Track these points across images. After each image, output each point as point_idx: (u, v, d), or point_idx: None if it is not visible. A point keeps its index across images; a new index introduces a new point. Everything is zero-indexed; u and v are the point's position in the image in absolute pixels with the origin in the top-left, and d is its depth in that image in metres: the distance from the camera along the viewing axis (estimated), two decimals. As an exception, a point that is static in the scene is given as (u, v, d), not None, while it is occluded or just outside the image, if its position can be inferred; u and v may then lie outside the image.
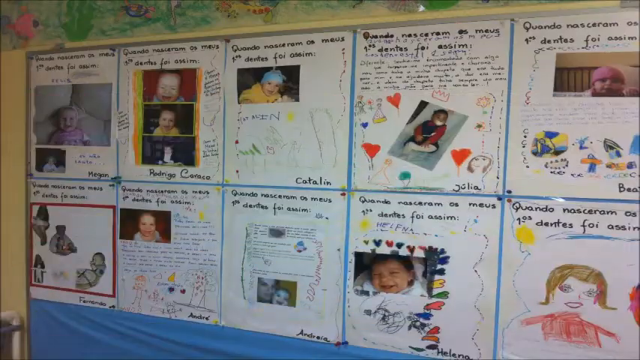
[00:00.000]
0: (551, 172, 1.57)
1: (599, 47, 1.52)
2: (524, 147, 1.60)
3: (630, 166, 1.49)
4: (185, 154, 2.05)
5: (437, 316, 1.71)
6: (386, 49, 1.75)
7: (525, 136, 1.59)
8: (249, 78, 1.94)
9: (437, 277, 1.70)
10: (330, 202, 1.83)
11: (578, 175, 1.54)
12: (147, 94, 2.11)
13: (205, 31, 2.02)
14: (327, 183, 1.84)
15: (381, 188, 1.76)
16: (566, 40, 1.55)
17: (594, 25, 1.52)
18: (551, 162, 1.57)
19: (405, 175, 1.73)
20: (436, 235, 1.70)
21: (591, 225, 1.53)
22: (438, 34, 1.68)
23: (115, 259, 2.20)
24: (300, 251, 1.88)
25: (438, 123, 1.69)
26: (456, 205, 1.68)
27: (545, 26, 1.56)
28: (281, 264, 1.92)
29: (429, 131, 1.70)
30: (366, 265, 1.80)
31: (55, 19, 2.29)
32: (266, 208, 1.93)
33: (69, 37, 2.27)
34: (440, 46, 1.68)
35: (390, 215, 1.76)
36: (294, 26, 1.88)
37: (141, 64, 2.11)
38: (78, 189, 2.24)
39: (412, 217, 1.73)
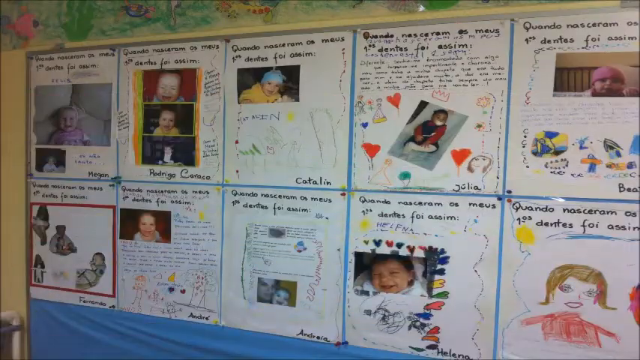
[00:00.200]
0: (551, 172, 1.57)
1: (599, 47, 1.52)
2: (524, 147, 1.59)
3: (630, 166, 1.49)
4: (185, 154, 2.05)
5: (437, 316, 1.71)
6: (386, 49, 1.75)
7: (525, 136, 1.59)
8: (249, 78, 1.94)
9: (437, 277, 1.70)
10: (330, 202, 1.83)
11: (578, 175, 1.54)
12: (147, 94, 2.11)
13: (205, 31, 2.02)
14: (327, 183, 1.84)
15: (381, 188, 1.76)
16: (566, 40, 1.55)
17: (594, 25, 1.52)
18: (551, 162, 1.56)
19: (405, 175, 1.73)
20: (436, 235, 1.70)
21: (591, 225, 1.53)
22: (438, 34, 1.68)
23: (115, 259, 2.19)
24: (300, 251, 1.88)
25: (438, 123, 1.69)
26: (456, 205, 1.67)
27: (545, 26, 1.56)
28: (281, 264, 1.91)
29: (429, 131, 1.70)
30: (366, 265, 1.80)
31: (55, 19, 2.29)
32: (266, 208, 1.93)
33: (69, 37, 2.27)
34: (440, 46, 1.68)
35: (390, 215, 1.75)
36: (294, 26, 1.88)
37: (141, 64, 2.11)
38: (78, 189, 2.24)
39: (412, 217, 1.73)
